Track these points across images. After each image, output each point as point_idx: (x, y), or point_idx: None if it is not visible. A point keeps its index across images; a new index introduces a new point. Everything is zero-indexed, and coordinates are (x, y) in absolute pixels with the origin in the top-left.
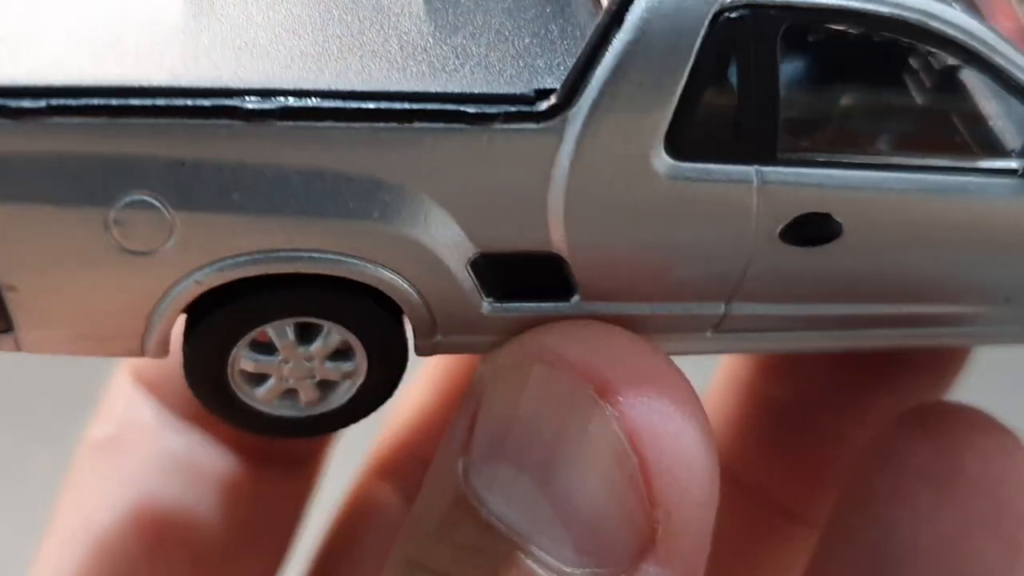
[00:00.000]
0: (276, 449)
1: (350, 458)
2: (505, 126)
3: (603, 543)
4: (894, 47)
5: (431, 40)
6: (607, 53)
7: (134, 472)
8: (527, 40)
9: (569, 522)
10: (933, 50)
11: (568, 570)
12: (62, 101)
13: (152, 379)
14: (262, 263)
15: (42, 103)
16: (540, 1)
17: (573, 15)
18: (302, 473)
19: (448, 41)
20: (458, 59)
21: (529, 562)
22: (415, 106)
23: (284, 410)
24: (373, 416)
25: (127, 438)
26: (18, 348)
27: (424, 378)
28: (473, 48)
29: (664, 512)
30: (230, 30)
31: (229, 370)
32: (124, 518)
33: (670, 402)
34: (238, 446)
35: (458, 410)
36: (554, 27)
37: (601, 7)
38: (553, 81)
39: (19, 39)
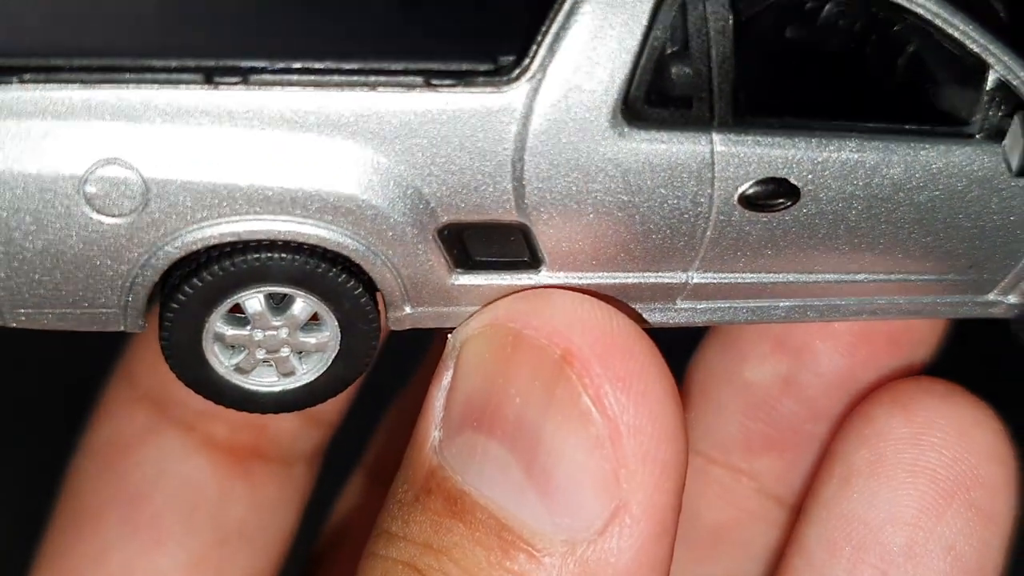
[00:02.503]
0: (270, 452)
1: (343, 461)
2: (465, 91)
3: (576, 506)
4: (853, 15)
5: (386, 8)
6: (565, 19)
7: (131, 477)
8: (479, 6)
9: (542, 487)
10: (892, 18)
11: (543, 533)
12: (36, 68)
13: (147, 387)
14: (233, 228)
15: (15, 71)
16: None
17: None
18: (296, 476)
19: (402, 8)
20: (417, 26)
21: (506, 528)
22: (378, 69)
23: (260, 384)
24: (366, 420)
25: (124, 444)
26: (2, 322)
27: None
28: (431, 15)
29: (632, 473)
30: (196, 6)
31: (204, 342)
32: (121, 522)
33: (635, 365)
34: (232, 450)
35: (433, 381)
36: None
37: None
38: (511, 48)
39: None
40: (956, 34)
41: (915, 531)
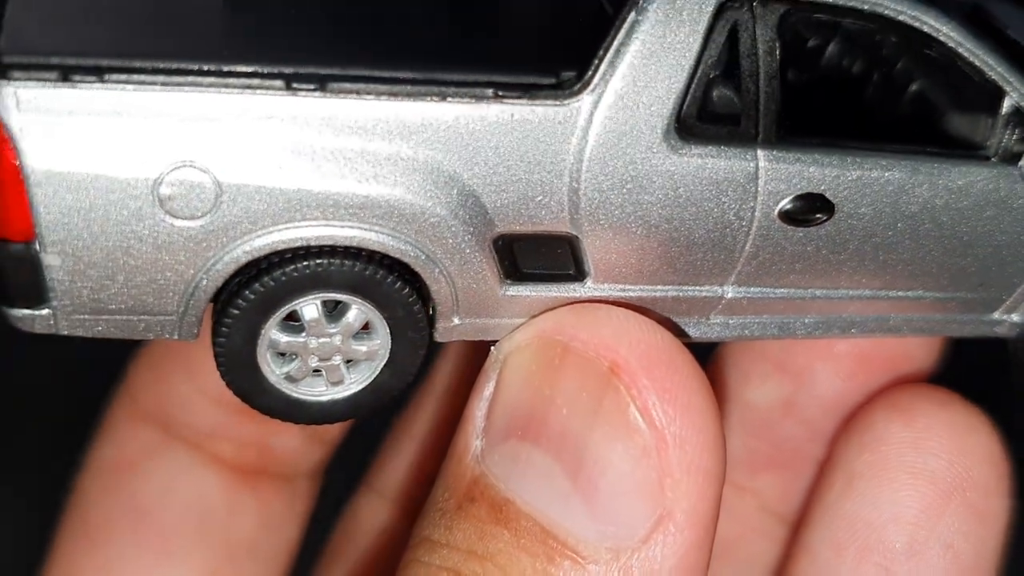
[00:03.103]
0: (275, 468)
1: (347, 475)
2: (530, 103)
3: (621, 514)
4: (885, 45)
5: (453, 20)
6: (625, 37)
7: (136, 495)
8: (543, 24)
9: (588, 495)
10: (919, 47)
11: (588, 540)
12: (118, 68)
13: (150, 406)
14: (301, 232)
15: (98, 71)
16: None
17: (583, 4)
18: (299, 491)
19: (473, 24)
20: (482, 40)
21: (551, 536)
22: (449, 80)
23: (309, 393)
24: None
25: (130, 461)
26: (54, 328)
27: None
28: (496, 31)
29: (677, 482)
30: (271, 13)
31: (259, 349)
32: (131, 537)
33: (680, 378)
34: (239, 466)
35: (473, 393)
36: (566, 13)
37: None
38: (572, 63)
39: (76, 12)
40: (977, 62)
41: (916, 530)
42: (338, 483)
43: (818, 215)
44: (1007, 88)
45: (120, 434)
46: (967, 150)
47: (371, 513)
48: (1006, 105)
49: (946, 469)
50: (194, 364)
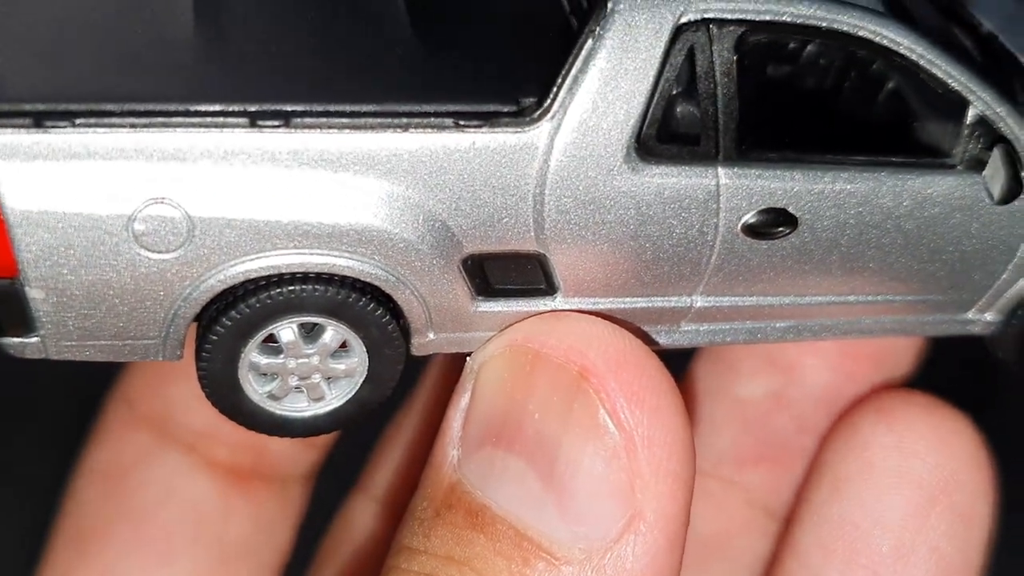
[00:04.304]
0: (269, 472)
1: (339, 479)
2: (491, 131)
3: (592, 515)
4: (845, 57)
5: (412, 50)
6: (583, 64)
7: (131, 499)
8: (502, 51)
9: (560, 497)
10: (878, 60)
11: (561, 541)
12: (88, 112)
13: (146, 409)
14: (272, 261)
15: (69, 115)
16: (511, 14)
17: (541, 27)
18: (292, 495)
19: (431, 53)
20: (442, 70)
21: (525, 538)
22: (410, 111)
23: (292, 410)
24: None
25: (126, 465)
26: (44, 354)
27: (413, 403)
28: (455, 59)
29: (646, 483)
30: (236, 50)
31: (240, 371)
32: (127, 541)
33: (648, 381)
34: (233, 470)
35: (451, 403)
36: (525, 38)
37: (570, 23)
38: (532, 89)
39: (46, 56)
40: (939, 74)
41: (903, 533)
42: (330, 486)
43: (781, 228)
44: (970, 98)
45: (115, 438)
46: (933, 157)
47: (363, 516)
48: (970, 114)
49: (931, 473)
50: (189, 368)
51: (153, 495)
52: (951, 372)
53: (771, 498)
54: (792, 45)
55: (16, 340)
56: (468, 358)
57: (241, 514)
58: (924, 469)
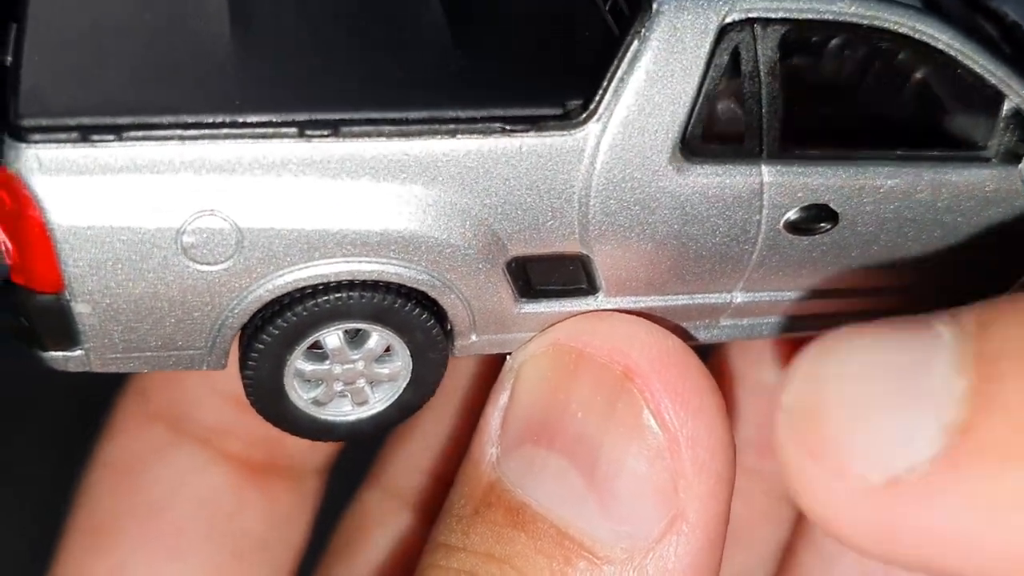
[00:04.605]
0: (284, 466)
1: (352, 472)
2: (538, 134)
3: (635, 514)
4: (881, 55)
5: (458, 56)
6: (629, 65)
7: (146, 493)
8: (542, 54)
9: (602, 496)
10: (916, 56)
11: (603, 540)
12: (136, 125)
13: (160, 404)
14: (321, 270)
15: (117, 129)
16: (548, 18)
17: (579, 30)
18: (307, 488)
19: (473, 58)
20: (485, 74)
21: (567, 537)
22: (457, 117)
23: (336, 414)
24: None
25: (141, 459)
26: (87, 367)
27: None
28: (497, 63)
29: (689, 483)
30: (278, 58)
31: (285, 378)
32: (142, 535)
33: (691, 382)
34: (248, 464)
35: (489, 401)
36: (563, 41)
37: (608, 25)
38: (576, 92)
39: (88, 68)
40: (977, 68)
41: None
42: (343, 479)
43: (822, 224)
44: (1007, 92)
45: (130, 432)
46: (968, 150)
47: (376, 510)
48: (1006, 108)
49: None
50: None
51: (167, 489)
52: None
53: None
54: (817, 39)
55: (59, 354)
56: (507, 357)
57: (255, 508)
58: None
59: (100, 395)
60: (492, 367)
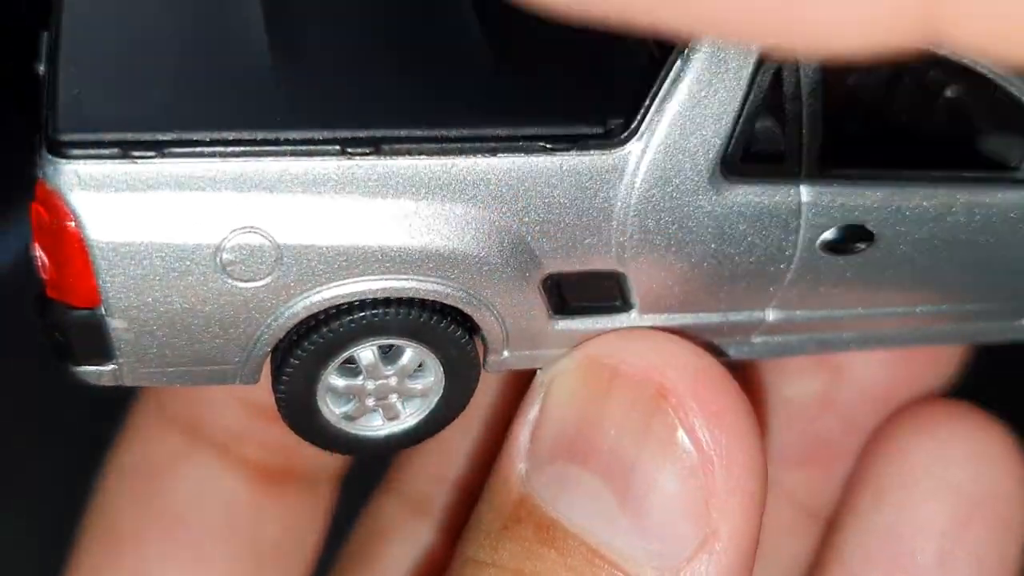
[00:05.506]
0: (300, 472)
1: (367, 478)
2: (579, 153)
3: (667, 533)
4: (919, 76)
5: (498, 75)
6: (672, 84)
7: (163, 499)
8: (582, 72)
9: (635, 514)
10: (952, 76)
11: (635, 559)
12: (177, 142)
13: (177, 410)
14: (358, 287)
15: (157, 145)
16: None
17: (617, 49)
18: (322, 495)
19: (512, 76)
20: (525, 92)
21: (598, 555)
22: (498, 135)
23: (367, 429)
24: None
25: (158, 465)
26: (119, 381)
27: None
28: (536, 81)
29: (722, 503)
30: (319, 75)
31: (318, 393)
32: (160, 542)
33: (725, 401)
34: (265, 470)
35: (517, 416)
36: (602, 60)
37: (647, 43)
38: (617, 111)
39: (127, 83)
40: (1013, 90)
41: (943, 542)
42: (358, 486)
43: (859, 244)
44: None
45: (146, 438)
46: (1002, 171)
47: (392, 517)
48: None
49: (971, 482)
50: None
51: (183, 496)
52: (992, 381)
53: (814, 500)
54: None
55: (92, 368)
56: (538, 371)
57: (272, 514)
58: (965, 478)
59: (115, 402)
60: (512, 377)
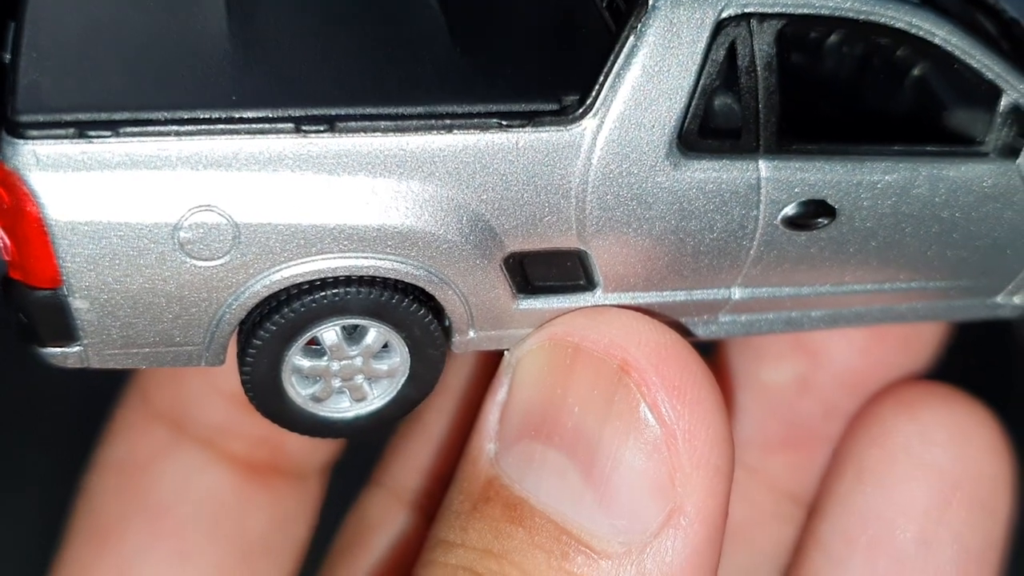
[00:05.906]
0: (286, 466)
1: (355, 471)
2: (535, 130)
3: (632, 509)
4: (878, 50)
5: (453, 52)
6: (625, 60)
7: (149, 494)
8: (539, 50)
9: (600, 491)
10: (912, 51)
11: (601, 535)
12: (132, 121)
13: (162, 405)
14: (317, 266)
15: (113, 125)
16: (544, 14)
17: (575, 26)
18: (309, 488)
19: (469, 54)
20: (481, 70)
21: (565, 532)
22: (454, 112)
23: (335, 411)
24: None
25: (143, 459)
26: (85, 363)
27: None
28: (493, 59)
29: (686, 477)
30: (275, 55)
31: (283, 374)
32: (145, 536)
33: (688, 376)
34: (251, 464)
35: (487, 397)
36: (560, 37)
37: (605, 21)
38: (573, 87)
39: (84, 65)
40: (974, 64)
41: (926, 522)
42: (346, 479)
43: (820, 219)
44: (1004, 87)
45: (131, 432)
46: (966, 145)
47: (379, 510)
48: (1003, 103)
49: (952, 463)
50: None
51: (170, 490)
52: (972, 363)
53: (795, 485)
54: (814, 34)
55: (57, 350)
56: (505, 352)
57: (259, 508)
58: (946, 459)
59: (101, 396)
60: (497, 365)
